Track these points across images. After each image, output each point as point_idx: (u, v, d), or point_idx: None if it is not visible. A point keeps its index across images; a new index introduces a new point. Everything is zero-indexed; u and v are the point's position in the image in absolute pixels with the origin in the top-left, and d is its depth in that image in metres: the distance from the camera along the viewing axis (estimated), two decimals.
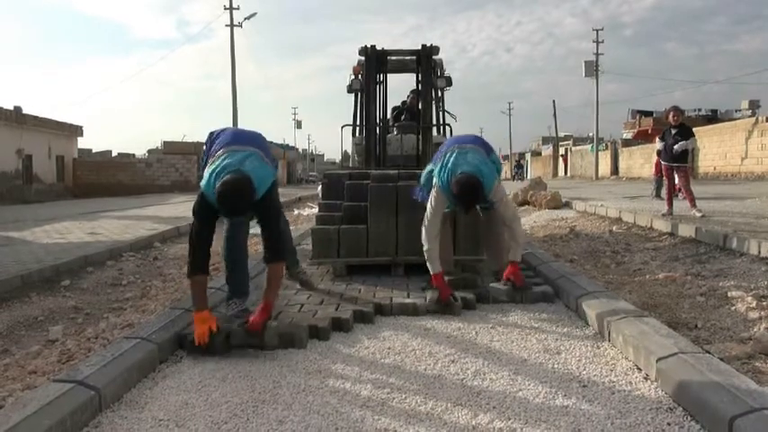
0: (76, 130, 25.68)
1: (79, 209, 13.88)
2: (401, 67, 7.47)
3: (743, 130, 19.39)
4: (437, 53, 6.89)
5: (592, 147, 34.55)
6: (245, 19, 27.66)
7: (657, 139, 7.94)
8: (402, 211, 4.48)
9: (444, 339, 3.09)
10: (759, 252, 4.57)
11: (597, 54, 33.87)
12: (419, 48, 6.85)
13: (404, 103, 7.80)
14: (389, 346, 2.99)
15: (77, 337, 3.50)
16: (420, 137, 6.87)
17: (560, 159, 43.97)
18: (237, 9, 27.32)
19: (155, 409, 2.31)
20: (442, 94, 7.32)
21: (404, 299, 3.75)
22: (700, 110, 36.29)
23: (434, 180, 3.76)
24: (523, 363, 2.71)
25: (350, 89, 7.09)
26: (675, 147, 7.19)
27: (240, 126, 20.54)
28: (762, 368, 2.48)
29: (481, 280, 4.13)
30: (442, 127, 7.17)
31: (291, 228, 4.63)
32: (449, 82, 7.21)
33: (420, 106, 6.98)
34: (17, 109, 21.00)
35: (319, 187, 5.62)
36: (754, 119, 20.13)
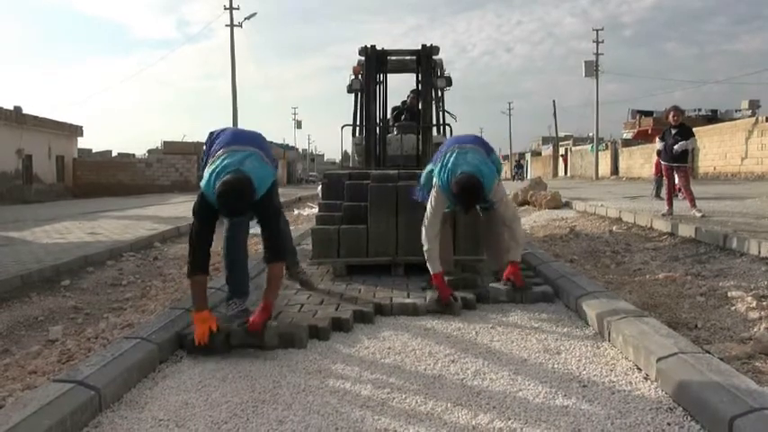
0: (76, 130, 25.68)
1: (79, 209, 13.88)
2: (401, 67, 7.47)
3: (743, 130, 19.39)
4: (437, 53, 6.89)
5: (592, 147, 34.56)
6: (246, 19, 27.71)
7: (657, 139, 7.94)
8: (402, 211, 4.48)
9: (444, 339, 3.09)
10: (759, 252, 4.57)
11: (597, 54, 33.91)
12: (419, 48, 6.85)
13: (404, 103, 7.80)
14: (389, 346, 2.99)
15: (77, 337, 3.50)
16: (420, 137, 6.87)
17: (560, 159, 43.97)
18: (237, 9, 27.38)
19: (155, 409, 2.31)
20: (442, 94, 7.32)
21: (404, 299, 3.75)
22: (700, 110, 36.29)
23: (434, 180, 3.76)
24: (523, 363, 2.71)
25: (350, 89, 7.09)
26: (675, 147, 7.19)
27: (240, 126, 20.55)
28: (762, 368, 2.48)
29: (481, 280, 4.13)
30: (442, 127, 7.17)
31: (291, 228, 4.64)
32: (449, 82, 7.21)
33: (420, 106, 6.98)
34: (17, 109, 21.00)
35: (319, 187, 5.62)
36: (754, 119, 20.13)
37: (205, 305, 2.99)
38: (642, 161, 27.20)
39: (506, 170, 47.39)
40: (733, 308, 3.42)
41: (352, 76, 6.95)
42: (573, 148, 41.29)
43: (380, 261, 4.56)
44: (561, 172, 42.54)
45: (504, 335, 3.15)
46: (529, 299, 3.81)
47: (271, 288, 3.05)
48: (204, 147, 3.45)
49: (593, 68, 33.64)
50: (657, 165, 9.82)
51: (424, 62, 6.80)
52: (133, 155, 31.12)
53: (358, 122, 7.10)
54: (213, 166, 3.02)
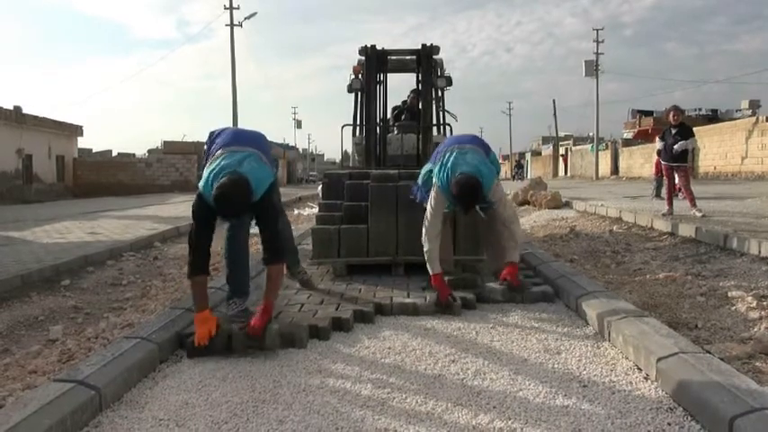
0: (76, 130, 25.68)
1: (79, 208, 13.88)
2: (401, 67, 7.47)
3: (743, 129, 19.40)
4: (437, 53, 6.88)
5: (592, 146, 34.56)
6: (246, 19, 27.68)
7: (657, 139, 7.94)
8: (402, 211, 4.48)
9: (444, 339, 3.09)
10: (759, 252, 4.57)
11: (597, 54, 33.91)
12: (419, 47, 6.84)
13: (404, 102, 7.80)
14: (390, 346, 2.99)
15: (77, 336, 3.50)
16: (420, 136, 6.86)
17: (560, 159, 43.96)
18: (238, 9, 27.35)
19: (155, 408, 2.31)
20: (443, 94, 7.32)
21: (404, 299, 3.75)
22: (700, 109, 36.30)
23: (434, 180, 3.76)
24: (524, 363, 2.71)
25: (350, 89, 7.09)
26: (675, 146, 7.19)
27: (241, 126, 20.52)
28: (762, 368, 2.48)
29: (481, 280, 4.13)
30: (442, 127, 7.17)
31: (291, 227, 4.63)
32: (449, 82, 7.20)
33: (420, 106, 6.97)
34: (17, 109, 20.99)
35: (319, 187, 5.62)
36: (754, 119, 20.13)
37: (206, 305, 2.99)
38: (642, 161, 27.21)
39: (506, 170, 47.43)
40: (733, 308, 3.42)
41: (353, 76, 6.94)
42: (573, 148, 41.29)
43: (381, 261, 4.56)
44: (561, 172, 42.53)
45: (505, 335, 3.14)
46: (529, 299, 3.81)
47: (270, 289, 3.03)
48: (205, 147, 3.44)
49: (593, 68, 33.63)
50: (657, 164, 9.82)
51: (425, 62, 6.80)
52: (133, 155, 31.09)
53: (358, 122, 7.10)
54: (211, 167, 3.01)
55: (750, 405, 1.86)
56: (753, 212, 7.21)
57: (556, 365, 2.66)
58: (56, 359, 3.06)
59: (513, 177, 40.77)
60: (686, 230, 5.86)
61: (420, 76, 7.06)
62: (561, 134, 47.13)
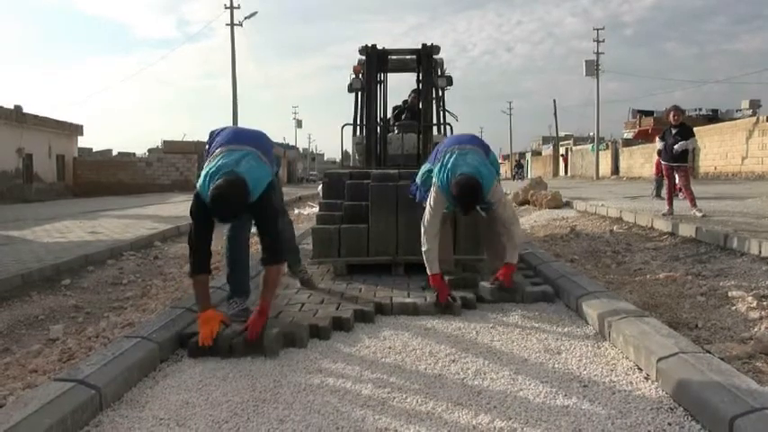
0: (77, 130, 25.67)
1: (79, 208, 13.88)
2: (402, 67, 7.47)
3: (743, 129, 19.39)
4: (437, 52, 6.88)
5: (592, 146, 34.54)
6: (246, 18, 27.70)
7: (658, 139, 7.93)
8: (402, 211, 4.48)
9: (445, 339, 3.09)
10: (760, 252, 4.57)
11: (598, 53, 33.88)
12: (420, 47, 6.84)
13: (405, 102, 7.80)
14: (390, 346, 2.99)
15: (78, 336, 3.50)
16: (421, 136, 6.86)
17: (561, 159, 43.94)
18: (238, 8, 27.37)
19: (155, 408, 2.31)
20: (443, 94, 7.32)
21: (404, 298, 3.75)
22: (700, 109, 36.27)
23: (434, 180, 3.75)
24: (524, 362, 2.71)
25: (350, 88, 7.09)
26: (676, 146, 7.19)
27: (241, 125, 20.52)
28: (762, 368, 2.48)
29: (481, 279, 4.13)
30: (442, 126, 7.17)
31: (293, 227, 4.62)
32: (449, 81, 7.21)
33: (421, 105, 6.98)
34: (17, 108, 20.99)
35: (320, 186, 5.62)
36: (754, 118, 20.11)
37: (208, 304, 2.99)
38: (642, 161, 27.20)
39: (506, 170, 47.41)
40: (733, 308, 3.42)
41: (353, 76, 6.94)
42: (573, 148, 41.27)
43: (381, 260, 4.56)
44: (561, 172, 42.51)
45: (505, 335, 3.15)
46: (529, 299, 3.80)
47: (267, 291, 3.00)
48: (206, 146, 3.44)
49: (593, 68, 33.61)
50: (658, 164, 9.80)
51: (425, 61, 6.80)
52: (133, 154, 31.11)
53: (358, 122, 7.10)
54: (209, 167, 2.98)
55: (750, 405, 1.86)
56: (753, 212, 7.21)
57: (556, 365, 2.66)
58: (56, 358, 3.06)
59: (514, 177, 40.72)
60: (686, 230, 5.86)
61: (420, 75, 7.07)
62: (561, 134, 47.12)
